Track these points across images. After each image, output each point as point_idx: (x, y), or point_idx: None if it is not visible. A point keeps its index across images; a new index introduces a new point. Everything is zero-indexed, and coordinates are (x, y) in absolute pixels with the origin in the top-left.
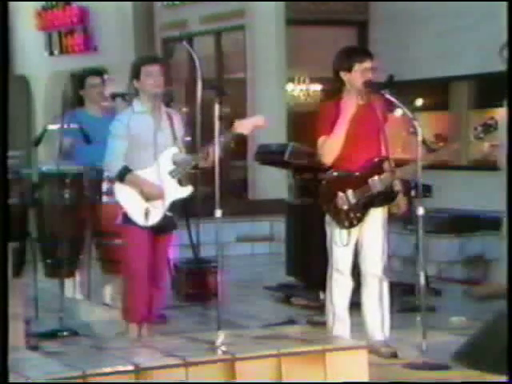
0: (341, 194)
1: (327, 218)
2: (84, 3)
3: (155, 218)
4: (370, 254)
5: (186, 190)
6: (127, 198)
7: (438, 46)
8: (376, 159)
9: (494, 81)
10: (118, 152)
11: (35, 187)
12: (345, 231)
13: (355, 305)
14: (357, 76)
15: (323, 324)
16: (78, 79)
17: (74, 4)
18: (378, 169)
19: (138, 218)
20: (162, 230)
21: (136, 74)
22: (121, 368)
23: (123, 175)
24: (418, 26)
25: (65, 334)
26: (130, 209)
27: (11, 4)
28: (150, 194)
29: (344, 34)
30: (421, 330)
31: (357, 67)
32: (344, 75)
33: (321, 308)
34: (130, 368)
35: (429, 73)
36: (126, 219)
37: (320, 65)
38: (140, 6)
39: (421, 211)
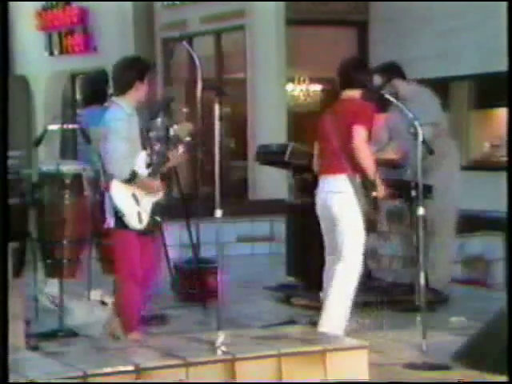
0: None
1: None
2: (84, 3)
3: (145, 220)
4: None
5: (159, 194)
6: (123, 201)
7: (438, 45)
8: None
9: (494, 81)
10: (126, 154)
11: (35, 187)
12: None
13: (358, 305)
14: None
15: None
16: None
17: (74, 4)
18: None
19: (133, 221)
20: (148, 233)
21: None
22: (121, 368)
23: (133, 179)
24: (417, 26)
25: (65, 334)
26: (126, 212)
27: (11, 4)
28: (150, 188)
29: (344, 34)
30: (421, 330)
31: None
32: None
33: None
34: (130, 368)
35: (429, 73)
36: (120, 223)
37: (320, 65)
38: (140, 6)
39: (421, 211)
